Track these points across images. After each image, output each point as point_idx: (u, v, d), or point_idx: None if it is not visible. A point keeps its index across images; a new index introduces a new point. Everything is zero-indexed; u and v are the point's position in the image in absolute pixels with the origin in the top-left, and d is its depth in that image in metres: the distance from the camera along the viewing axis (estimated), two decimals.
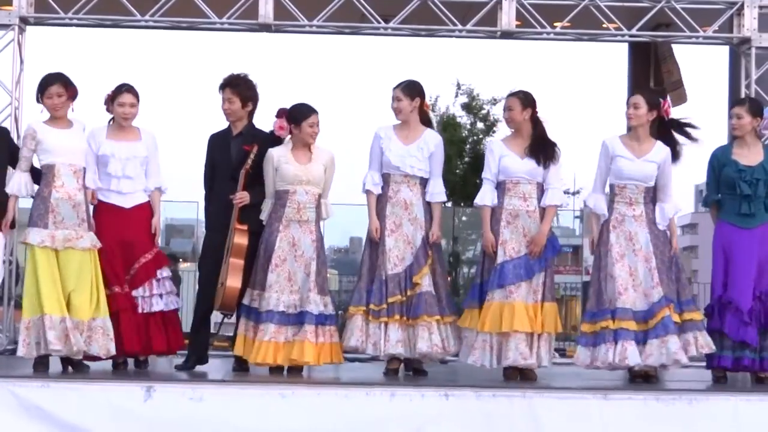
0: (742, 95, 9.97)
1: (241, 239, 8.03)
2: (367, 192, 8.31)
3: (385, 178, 8.32)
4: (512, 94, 8.34)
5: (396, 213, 8.27)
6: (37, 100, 7.93)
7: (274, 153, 8.06)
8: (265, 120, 8.39)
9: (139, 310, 7.93)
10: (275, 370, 8.01)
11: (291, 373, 8.00)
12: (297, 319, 7.96)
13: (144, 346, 8.00)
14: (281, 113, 8.11)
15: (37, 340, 7.67)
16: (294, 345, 7.94)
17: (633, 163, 8.18)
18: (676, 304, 8.12)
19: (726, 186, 8.25)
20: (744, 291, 8.14)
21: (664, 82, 15.57)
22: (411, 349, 8.17)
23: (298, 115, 8.09)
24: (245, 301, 8.14)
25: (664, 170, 8.23)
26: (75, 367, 7.82)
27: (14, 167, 8.26)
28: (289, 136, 8.12)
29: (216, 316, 8.59)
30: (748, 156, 8.17)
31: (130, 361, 8.22)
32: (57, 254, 7.72)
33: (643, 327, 8.05)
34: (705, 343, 8.13)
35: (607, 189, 8.42)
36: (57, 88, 7.87)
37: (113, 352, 7.80)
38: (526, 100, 8.22)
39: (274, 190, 8.10)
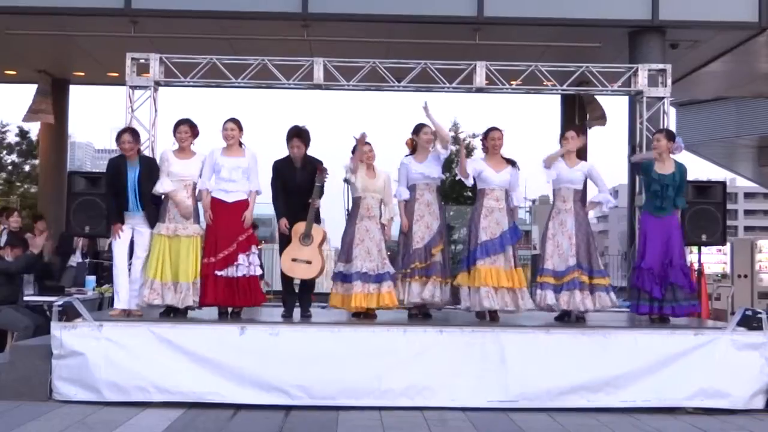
0: (637, 131, 9.96)
1: (324, 234, 8.08)
2: (398, 202, 8.33)
3: (413, 188, 8.31)
4: (499, 130, 8.25)
5: (421, 209, 8.28)
6: (173, 135, 7.94)
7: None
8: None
9: (230, 275, 7.78)
10: (356, 315, 7.93)
11: (367, 316, 7.91)
12: (376, 279, 7.90)
13: (230, 300, 7.84)
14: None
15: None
16: (382, 295, 7.89)
17: (567, 170, 8.22)
18: (588, 270, 8.09)
19: (648, 188, 8.21)
20: (655, 261, 8.05)
21: (588, 117, 15.80)
22: (425, 298, 8.16)
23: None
24: (336, 269, 8.11)
25: (592, 175, 8.28)
26: (175, 312, 7.80)
27: None
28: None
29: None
30: (664, 168, 8.09)
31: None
32: (170, 240, 7.73)
33: (559, 282, 8.05)
34: (609, 299, 8.10)
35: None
36: (185, 128, 7.90)
37: (199, 302, 7.76)
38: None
39: (352, 197, 8.13)
